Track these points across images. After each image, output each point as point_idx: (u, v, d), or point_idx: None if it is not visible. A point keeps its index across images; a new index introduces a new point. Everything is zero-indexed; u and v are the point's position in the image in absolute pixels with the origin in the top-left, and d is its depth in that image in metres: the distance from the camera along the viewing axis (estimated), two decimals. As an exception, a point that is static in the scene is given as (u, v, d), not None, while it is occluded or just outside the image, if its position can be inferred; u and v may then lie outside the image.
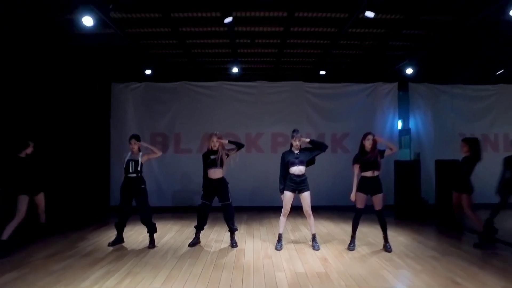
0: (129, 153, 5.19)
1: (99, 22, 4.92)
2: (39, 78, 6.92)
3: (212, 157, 5.10)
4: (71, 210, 7.19)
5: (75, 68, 7.82)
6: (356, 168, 5.02)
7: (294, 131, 5.15)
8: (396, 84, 8.92)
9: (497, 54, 7.17)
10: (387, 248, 4.87)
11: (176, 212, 7.87)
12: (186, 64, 8.23)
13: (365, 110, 8.87)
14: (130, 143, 5.20)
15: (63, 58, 7.25)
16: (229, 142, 5.28)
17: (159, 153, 5.41)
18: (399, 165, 7.80)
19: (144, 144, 5.46)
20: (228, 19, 5.07)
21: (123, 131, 8.69)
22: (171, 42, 6.77)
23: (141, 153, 5.22)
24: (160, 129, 8.75)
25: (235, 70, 7.56)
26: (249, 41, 6.51)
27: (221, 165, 5.10)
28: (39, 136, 6.85)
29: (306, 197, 5.00)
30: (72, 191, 7.56)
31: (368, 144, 4.93)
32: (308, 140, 5.18)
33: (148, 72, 7.61)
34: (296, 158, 5.03)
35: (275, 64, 8.19)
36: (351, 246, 4.98)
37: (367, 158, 4.91)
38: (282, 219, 5.11)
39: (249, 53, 7.44)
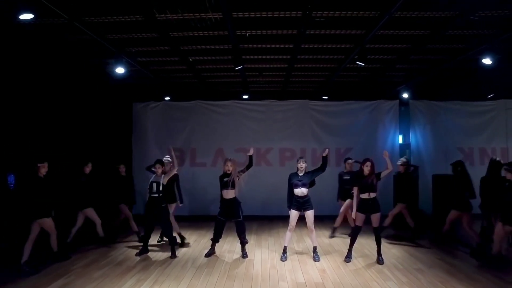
0: (154, 175, 5.95)
1: (128, 65, 5.73)
2: (70, 99, 7.73)
3: (225, 179, 5.83)
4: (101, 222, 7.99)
5: (101, 89, 8.64)
6: (356, 190, 5.67)
7: (300, 157, 5.95)
8: (397, 101, 9.46)
9: (486, 79, 7.70)
10: (379, 260, 5.50)
11: (193, 221, 8.61)
12: (200, 89, 9.01)
13: (368, 126, 9.43)
14: (155, 167, 5.96)
15: (93, 84, 8.09)
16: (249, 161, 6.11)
17: (176, 167, 6.14)
18: (398, 178, 8.33)
19: (166, 159, 6.41)
20: (239, 67, 5.82)
21: (144, 147, 9.50)
22: (187, 75, 7.57)
23: (163, 176, 5.97)
24: (178, 144, 9.46)
25: (245, 96, 8.27)
26: (257, 73, 7.24)
27: (233, 187, 5.82)
28: (67, 154, 7.70)
29: (309, 215, 5.65)
30: (99, 204, 8.35)
31: (366, 169, 5.57)
32: (325, 153, 5.89)
33: (167, 98, 8.37)
34: (299, 180, 5.69)
35: (282, 88, 8.91)
36: (348, 258, 5.63)
37: (365, 181, 5.54)
38: (288, 233, 5.80)
39: (258, 81, 8.19)
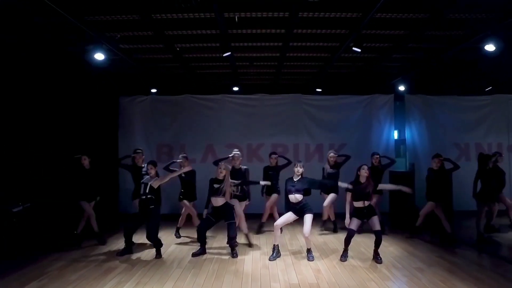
0: (146, 176, 5.56)
1: (108, 51, 5.34)
2: (52, 92, 7.33)
3: (215, 185, 5.49)
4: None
5: (86, 83, 8.24)
6: (349, 195, 5.40)
7: (298, 161, 5.64)
8: (392, 96, 9.24)
9: (485, 71, 7.49)
10: (377, 259, 5.22)
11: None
12: (189, 81, 8.64)
13: (362, 121, 9.20)
14: (147, 168, 5.57)
15: (75, 75, 7.68)
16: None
17: (168, 178, 5.75)
18: (393, 176, 8.12)
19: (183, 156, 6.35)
20: (227, 54, 5.48)
21: (130, 142, 9.10)
22: (174, 65, 7.19)
23: (155, 179, 5.56)
24: (166, 140, 9.15)
25: (235, 88, 7.94)
26: (248, 63, 6.91)
27: (223, 195, 5.48)
28: (51, 148, 7.32)
29: (307, 219, 5.29)
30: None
31: (364, 174, 5.30)
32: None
33: (153, 90, 8.00)
34: (293, 186, 5.37)
35: (274, 81, 8.59)
36: (343, 257, 5.34)
37: (360, 188, 5.26)
38: (278, 231, 5.48)
39: (249, 72, 7.85)
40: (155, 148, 9.08)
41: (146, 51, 6.28)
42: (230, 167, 5.95)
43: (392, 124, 9.29)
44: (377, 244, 5.30)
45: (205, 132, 9.01)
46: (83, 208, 6.19)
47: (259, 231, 7.10)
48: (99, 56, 5.09)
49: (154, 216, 5.47)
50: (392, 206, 7.95)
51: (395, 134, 9.52)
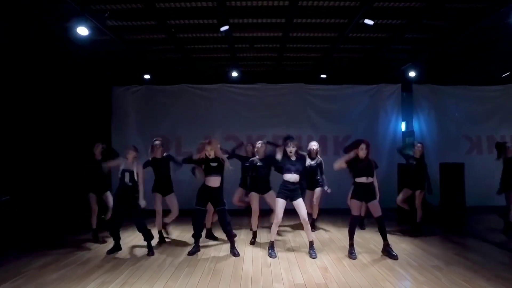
0: (124, 162, 5.11)
1: (95, 30, 4.86)
2: (40, 82, 6.88)
3: (213, 164, 5.01)
4: (71, 215, 7.16)
5: (76, 72, 7.78)
6: (343, 163, 4.91)
7: (288, 137, 5.01)
8: (399, 85, 8.78)
9: (502, 56, 7.00)
10: (392, 255, 4.77)
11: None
12: (185, 69, 8.15)
13: (368, 112, 8.73)
14: (127, 152, 5.12)
15: (63, 62, 7.21)
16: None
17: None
18: (402, 168, 7.65)
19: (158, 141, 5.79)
20: (224, 28, 4.99)
21: (124, 135, 8.67)
22: (168, 47, 6.70)
23: (135, 163, 5.13)
24: (161, 132, 8.63)
25: (234, 74, 7.46)
26: (247, 45, 6.42)
27: (221, 173, 5.02)
28: (40, 140, 6.87)
29: (300, 204, 4.90)
30: (72, 195, 7.52)
31: (362, 153, 4.86)
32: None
33: (147, 76, 7.52)
34: (293, 165, 4.93)
35: (275, 67, 8.10)
36: (352, 254, 4.87)
37: (361, 164, 4.83)
38: (274, 227, 5.03)
39: (249, 57, 7.35)
40: (149, 141, 8.54)
41: (137, 30, 5.78)
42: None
43: (400, 115, 8.81)
44: (383, 234, 4.85)
45: (203, 123, 8.51)
46: (89, 202, 5.77)
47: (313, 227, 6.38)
48: (83, 31, 4.60)
49: (138, 205, 5.02)
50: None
51: (403, 126, 9.06)
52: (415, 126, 8.87)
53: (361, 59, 7.54)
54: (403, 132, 8.97)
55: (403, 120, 8.98)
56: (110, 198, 5.78)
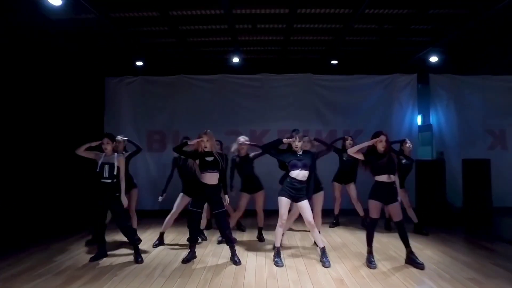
0: (103, 155, 4.49)
1: (74, 4, 4.23)
2: (25, 75, 6.32)
3: (208, 159, 4.39)
4: (57, 216, 6.59)
5: (65, 62, 7.21)
6: (358, 153, 4.25)
7: (294, 130, 4.53)
8: (415, 75, 8.10)
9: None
10: (417, 264, 4.11)
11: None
12: (182, 55, 7.50)
13: (381, 105, 8.07)
14: (102, 143, 4.50)
15: (50, 51, 6.64)
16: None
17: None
18: (421, 165, 6.99)
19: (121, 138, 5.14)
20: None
21: (118, 129, 8.05)
22: (162, 29, 6.05)
23: (116, 155, 4.51)
24: (158, 126, 8.07)
25: (235, 60, 6.82)
26: (250, 26, 5.76)
27: (219, 169, 4.40)
28: (26, 137, 6.32)
29: (305, 206, 4.29)
30: (61, 194, 6.95)
31: (381, 146, 4.19)
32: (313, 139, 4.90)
33: (139, 63, 6.91)
34: (299, 160, 4.30)
35: (281, 54, 7.41)
36: (372, 263, 4.22)
37: (381, 160, 4.16)
38: (279, 230, 4.42)
39: (251, 40, 6.66)
40: (145, 135, 8.00)
41: (125, 7, 5.13)
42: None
43: (416, 107, 8.12)
44: (405, 240, 4.20)
45: (202, 117, 7.88)
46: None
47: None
48: (56, 1, 3.97)
49: (120, 204, 4.41)
50: (420, 201, 6.81)
51: (419, 119, 8.38)
52: (433, 119, 8.20)
53: (376, 43, 6.81)
54: (419, 126, 8.29)
55: (419, 113, 8.31)
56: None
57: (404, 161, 5.66)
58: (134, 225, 5.30)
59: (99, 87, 8.03)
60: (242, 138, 5.37)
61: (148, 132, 8.06)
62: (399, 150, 5.66)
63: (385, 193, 4.18)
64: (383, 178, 4.17)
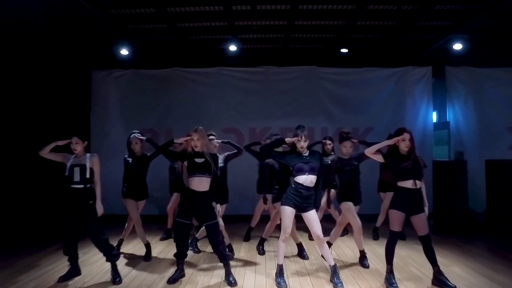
0: (73, 156, 3.83)
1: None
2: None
3: (198, 160, 3.73)
4: (27, 226, 5.95)
5: (45, 52, 6.55)
6: (377, 154, 3.60)
7: (298, 128, 3.90)
8: (430, 68, 7.45)
9: None
10: (449, 287, 3.44)
11: (164, 223, 6.50)
12: (174, 45, 6.83)
13: (393, 100, 7.42)
14: (71, 143, 3.84)
15: (28, 38, 5.97)
16: (228, 143, 4.54)
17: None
18: (439, 167, 6.33)
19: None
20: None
21: (105, 127, 7.48)
22: (149, 11, 5.35)
23: (88, 155, 3.86)
24: (149, 124, 7.40)
25: (233, 48, 6.14)
26: (249, 7, 5.07)
27: (210, 173, 3.73)
28: (5, 135, 5.69)
29: (313, 217, 3.65)
30: (32, 200, 6.27)
31: (404, 145, 3.51)
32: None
33: (124, 52, 6.22)
34: (306, 162, 3.65)
35: (283, 42, 6.70)
36: (393, 285, 3.54)
37: (405, 165, 3.47)
38: (282, 245, 3.76)
39: (251, 27, 5.95)
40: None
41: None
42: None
43: (430, 103, 7.46)
44: (432, 258, 3.54)
45: (198, 114, 7.24)
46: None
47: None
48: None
49: (94, 214, 3.76)
50: (438, 207, 6.16)
51: (434, 116, 7.71)
52: (449, 116, 7.53)
53: (392, 29, 6.08)
54: (434, 123, 7.62)
55: (434, 110, 7.64)
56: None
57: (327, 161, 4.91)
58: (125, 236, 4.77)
59: (84, 81, 7.40)
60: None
61: (138, 130, 7.37)
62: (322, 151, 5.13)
63: (409, 202, 3.51)
64: (407, 184, 3.50)
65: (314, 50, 7.18)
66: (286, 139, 3.79)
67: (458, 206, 5.87)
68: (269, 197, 4.74)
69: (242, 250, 4.96)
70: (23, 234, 5.64)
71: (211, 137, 4.47)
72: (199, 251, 4.82)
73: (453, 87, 7.45)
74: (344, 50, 6.68)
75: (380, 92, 7.42)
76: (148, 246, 4.64)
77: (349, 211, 4.13)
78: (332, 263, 3.73)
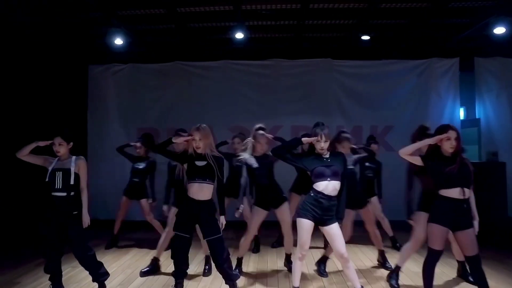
0: (56, 160, 3.30)
1: None
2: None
3: (199, 163, 3.16)
4: (12, 236, 5.47)
5: (39, 46, 6.10)
6: (414, 156, 3.01)
7: (316, 125, 3.17)
8: (457, 59, 6.82)
9: None
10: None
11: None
12: (175, 35, 6.26)
13: (415, 96, 6.82)
14: (53, 144, 3.30)
15: (19, 30, 5.51)
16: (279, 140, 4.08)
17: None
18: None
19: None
20: None
21: (103, 126, 7.01)
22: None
23: (73, 158, 3.32)
24: (149, 122, 6.97)
25: (239, 35, 5.55)
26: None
27: (212, 179, 3.17)
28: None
29: (335, 232, 3.06)
30: (14, 209, 5.78)
31: (448, 146, 2.87)
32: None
33: (119, 42, 5.67)
34: (327, 166, 3.05)
35: (296, 30, 6.05)
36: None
37: (450, 169, 2.84)
38: (298, 264, 3.17)
39: (259, 12, 5.31)
40: (134, 133, 6.81)
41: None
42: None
43: (457, 98, 6.83)
44: (482, 280, 2.88)
45: (201, 111, 6.71)
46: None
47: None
48: None
49: (79, 227, 3.24)
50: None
51: (461, 113, 7.03)
52: (479, 113, 6.85)
53: (420, 12, 5.36)
54: (462, 120, 6.96)
55: (461, 106, 6.96)
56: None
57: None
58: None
59: (81, 76, 6.94)
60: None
61: (138, 129, 6.88)
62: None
63: (455, 215, 2.88)
64: (453, 193, 2.86)
65: (330, 39, 6.53)
66: (303, 139, 3.19)
67: (497, 214, 5.19)
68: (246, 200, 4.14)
69: (251, 263, 4.37)
70: (4, 246, 5.14)
71: (261, 131, 3.82)
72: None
73: (483, 81, 6.79)
74: (365, 37, 6.01)
75: (401, 87, 6.82)
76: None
77: (347, 218, 3.71)
78: (359, 286, 3.12)
